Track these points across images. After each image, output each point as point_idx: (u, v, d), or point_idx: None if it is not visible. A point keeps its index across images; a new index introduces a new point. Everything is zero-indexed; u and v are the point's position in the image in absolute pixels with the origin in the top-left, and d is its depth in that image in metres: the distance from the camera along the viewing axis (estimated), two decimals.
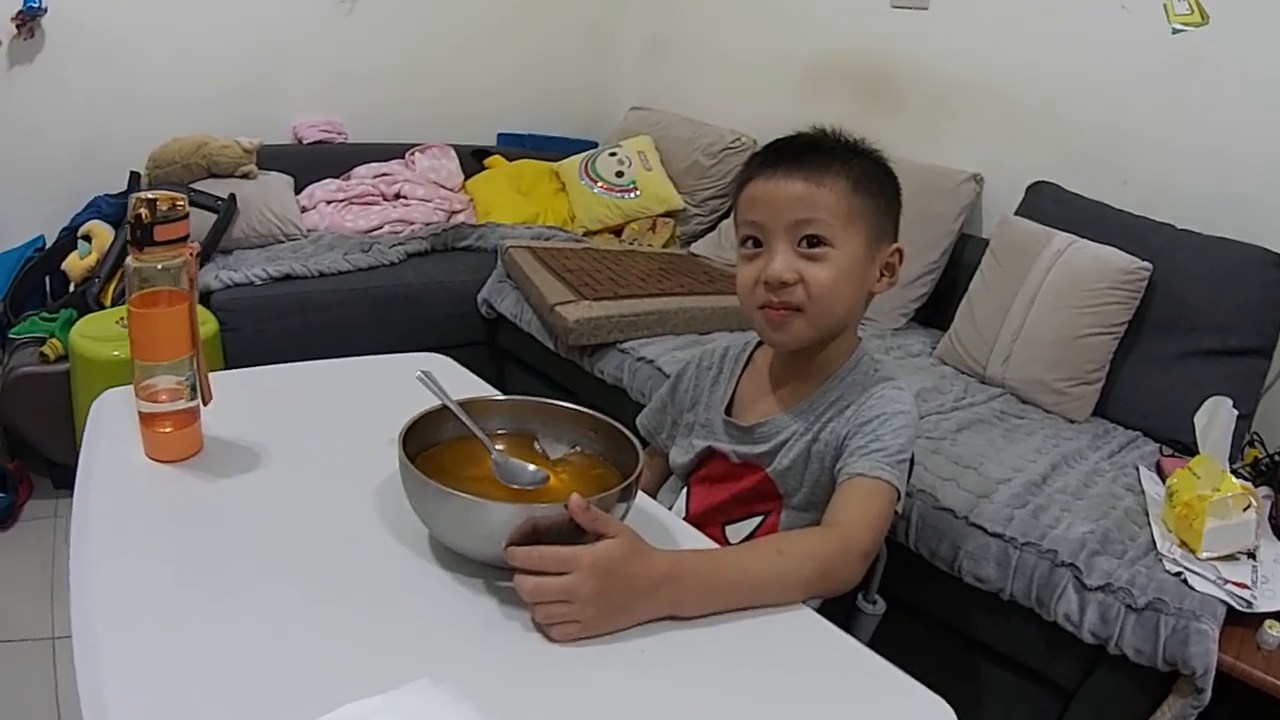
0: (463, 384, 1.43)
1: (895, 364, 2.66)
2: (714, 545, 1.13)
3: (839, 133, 1.31)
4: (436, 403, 1.11)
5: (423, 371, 1.13)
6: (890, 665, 0.93)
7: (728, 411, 1.42)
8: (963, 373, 2.65)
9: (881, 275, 1.31)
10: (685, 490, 1.45)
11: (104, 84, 3.45)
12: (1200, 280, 2.37)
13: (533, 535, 0.93)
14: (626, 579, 0.92)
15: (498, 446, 1.13)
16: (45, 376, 2.67)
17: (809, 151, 1.26)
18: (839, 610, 1.15)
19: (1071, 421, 2.39)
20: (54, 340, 2.73)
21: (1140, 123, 2.70)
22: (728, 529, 1.39)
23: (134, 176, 3.37)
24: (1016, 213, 2.78)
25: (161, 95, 3.55)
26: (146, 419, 1.16)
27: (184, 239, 1.14)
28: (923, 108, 3.28)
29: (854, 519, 1.15)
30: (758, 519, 1.37)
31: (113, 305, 2.91)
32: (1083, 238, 2.48)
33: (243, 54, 3.72)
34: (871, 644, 1.27)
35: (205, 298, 2.94)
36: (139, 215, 1.09)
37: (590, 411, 1.17)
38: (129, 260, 1.12)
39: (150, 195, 1.10)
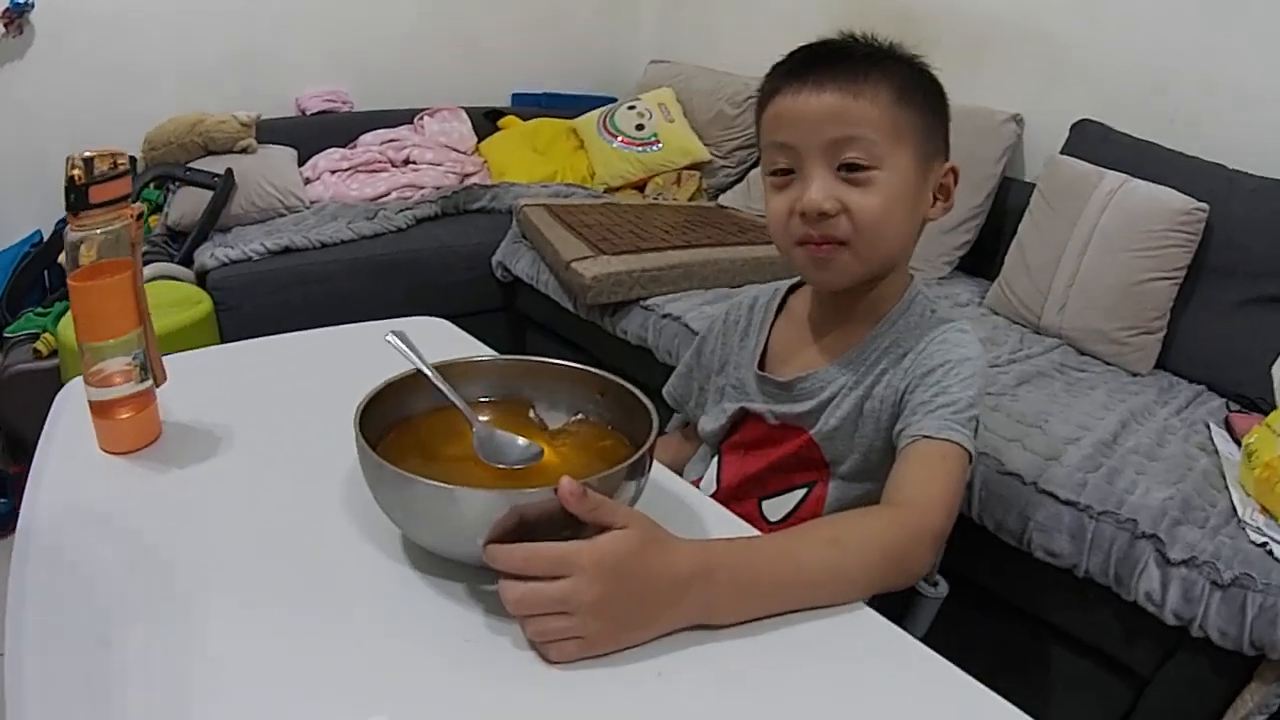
0: (458, 348, 1.27)
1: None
2: (751, 530, 0.95)
3: (872, 37, 1.13)
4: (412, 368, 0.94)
5: (394, 332, 0.96)
6: (988, 691, 0.74)
7: (761, 366, 1.25)
8: (1016, 323, 2.51)
9: (935, 199, 1.14)
10: (716, 460, 1.29)
11: (98, 72, 3.35)
12: (1258, 225, 2.21)
13: (519, 529, 0.75)
14: (640, 580, 0.74)
15: (482, 417, 0.95)
16: (37, 373, 2.56)
17: (841, 59, 1.08)
18: (894, 595, 0.97)
19: (1134, 374, 2.24)
20: (47, 335, 2.63)
21: (1184, 59, 2.52)
22: (765, 504, 1.22)
23: (130, 161, 3.24)
24: (1062, 153, 2.62)
25: (159, 78, 3.45)
26: (97, 408, 1.04)
27: (124, 199, 1.01)
28: (956, 46, 3.08)
29: (924, 494, 0.96)
30: (800, 491, 1.20)
31: None
32: (1135, 178, 2.33)
33: (240, 29, 3.60)
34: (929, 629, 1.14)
35: (201, 278, 2.84)
36: (72, 177, 0.97)
37: (594, 371, 0.99)
38: (66, 230, 0.99)
39: (88, 154, 0.97)
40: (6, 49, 3.20)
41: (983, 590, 1.76)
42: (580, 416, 1.00)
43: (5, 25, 3.13)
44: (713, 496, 1.20)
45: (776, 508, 1.21)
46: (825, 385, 1.16)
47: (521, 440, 0.91)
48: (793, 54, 1.13)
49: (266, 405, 1.17)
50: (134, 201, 0.98)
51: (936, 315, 1.16)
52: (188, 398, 1.12)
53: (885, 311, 1.16)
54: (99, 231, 0.98)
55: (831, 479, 1.18)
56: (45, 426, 1.13)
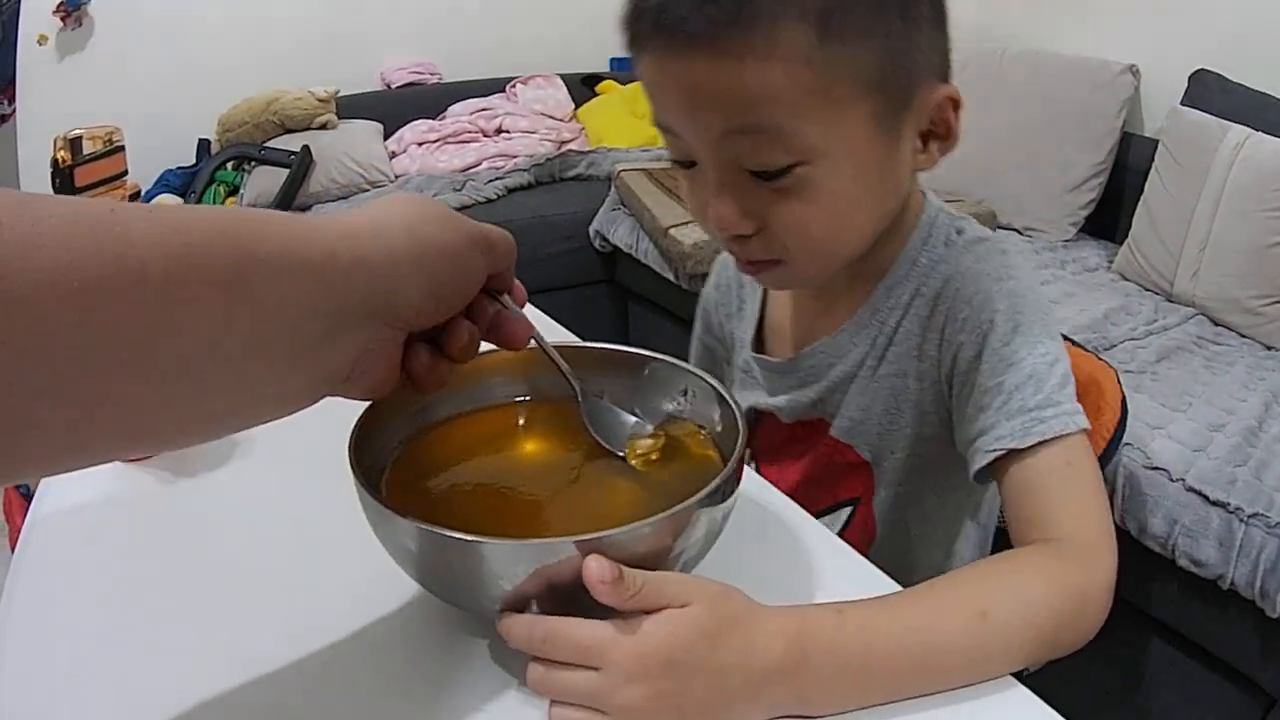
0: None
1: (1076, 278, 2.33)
2: (865, 569, 0.71)
3: None
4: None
5: None
6: None
7: (759, 347, 0.96)
8: (1148, 289, 2.34)
9: (926, 142, 0.76)
10: (753, 470, 0.96)
11: (166, 56, 3.32)
12: None
13: (549, 592, 0.54)
14: (702, 675, 0.53)
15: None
16: None
17: None
18: None
19: (1269, 348, 2.05)
20: None
21: None
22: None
23: (203, 144, 3.24)
24: (1182, 104, 2.44)
25: (230, 59, 3.40)
26: None
27: (118, 177, 0.90)
28: None
29: (1083, 526, 0.68)
30: (845, 511, 0.92)
31: None
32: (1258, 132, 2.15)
33: (319, 4, 3.53)
34: None
35: None
36: (56, 160, 0.86)
37: (676, 363, 0.74)
38: None
39: (77, 133, 0.87)
40: (67, 43, 3.18)
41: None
42: (679, 407, 0.74)
43: (63, 19, 3.12)
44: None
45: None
46: (834, 360, 0.87)
47: (632, 419, 0.71)
48: None
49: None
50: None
51: (964, 237, 0.83)
52: None
53: (900, 250, 0.83)
54: None
55: (878, 491, 0.90)
56: None
